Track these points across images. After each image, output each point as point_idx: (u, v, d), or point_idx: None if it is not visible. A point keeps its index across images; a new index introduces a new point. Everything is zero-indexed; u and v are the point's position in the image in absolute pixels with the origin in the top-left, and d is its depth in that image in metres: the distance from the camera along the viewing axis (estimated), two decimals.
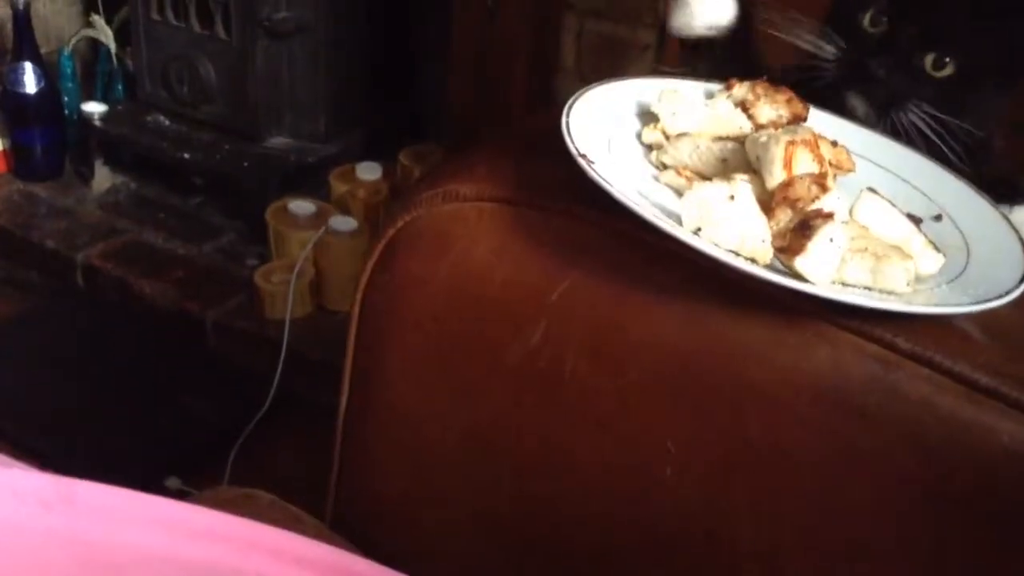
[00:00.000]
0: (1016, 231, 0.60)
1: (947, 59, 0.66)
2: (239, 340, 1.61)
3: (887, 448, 0.52)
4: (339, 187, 1.76)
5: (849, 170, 0.62)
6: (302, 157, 1.82)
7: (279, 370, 1.50)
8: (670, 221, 0.53)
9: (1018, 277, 0.55)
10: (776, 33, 0.70)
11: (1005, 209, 0.65)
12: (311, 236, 1.63)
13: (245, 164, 1.78)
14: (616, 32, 1.54)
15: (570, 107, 0.61)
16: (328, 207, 1.73)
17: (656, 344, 0.57)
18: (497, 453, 0.64)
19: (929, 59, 0.67)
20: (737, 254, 0.52)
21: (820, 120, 0.68)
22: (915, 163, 0.66)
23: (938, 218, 0.62)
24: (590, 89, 0.66)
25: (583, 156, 0.56)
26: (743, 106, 0.65)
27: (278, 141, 1.84)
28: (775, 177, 0.54)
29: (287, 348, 1.52)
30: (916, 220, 0.62)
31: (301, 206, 1.70)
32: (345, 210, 1.72)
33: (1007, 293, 0.53)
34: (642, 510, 0.59)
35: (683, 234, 0.51)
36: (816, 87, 0.69)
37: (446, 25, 1.69)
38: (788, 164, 0.54)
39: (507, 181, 0.63)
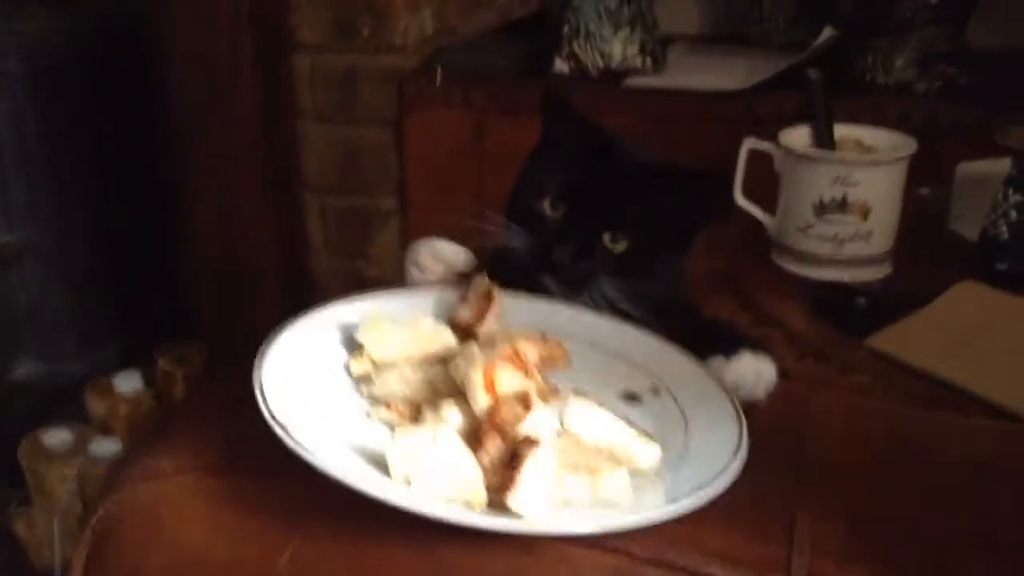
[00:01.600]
0: (725, 390, 0.61)
1: (619, 235, 0.70)
2: None
3: None
4: (97, 406, 1.63)
5: (562, 360, 0.61)
6: (53, 381, 1.69)
7: None
8: (379, 478, 0.50)
9: (734, 446, 0.55)
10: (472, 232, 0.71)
11: (720, 360, 0.66)
12: (71, 469, 1.50)
13: None
14: (357, 204, 1.54)
15: (262, 356, 0.58)
16: (89, 431, 1.60)
17: None
18: None
19: (607, 237, 0.70)
20: (453, 499, 0.50)
21: (529, 306, 0.68)
22: (628, 336, 0.67)
23: (655, 391, 0.63)
24: (289, 326, 0.63)
25: (277, 422, 0.52)
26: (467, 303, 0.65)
27: (24, 370, 1.71)
28: (479, 403, 0.52)
29: None
30: (634, 397, 0.63)
31: (56, 436, 1.56)
32: (108, 431, 1.59)
33: (722, 473, 0.53)
34: None
35: (391, 495, 0.48)
36: (513, 270, 0.70)
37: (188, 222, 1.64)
38: (490, 386, 0.52)
39: (212, 447, 0.58)
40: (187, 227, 1.61)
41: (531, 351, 0.58)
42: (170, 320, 1.82)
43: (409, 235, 1.51)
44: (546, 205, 0.71)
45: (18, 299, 1.68)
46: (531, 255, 0.70)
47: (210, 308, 1.66)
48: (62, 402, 1.69)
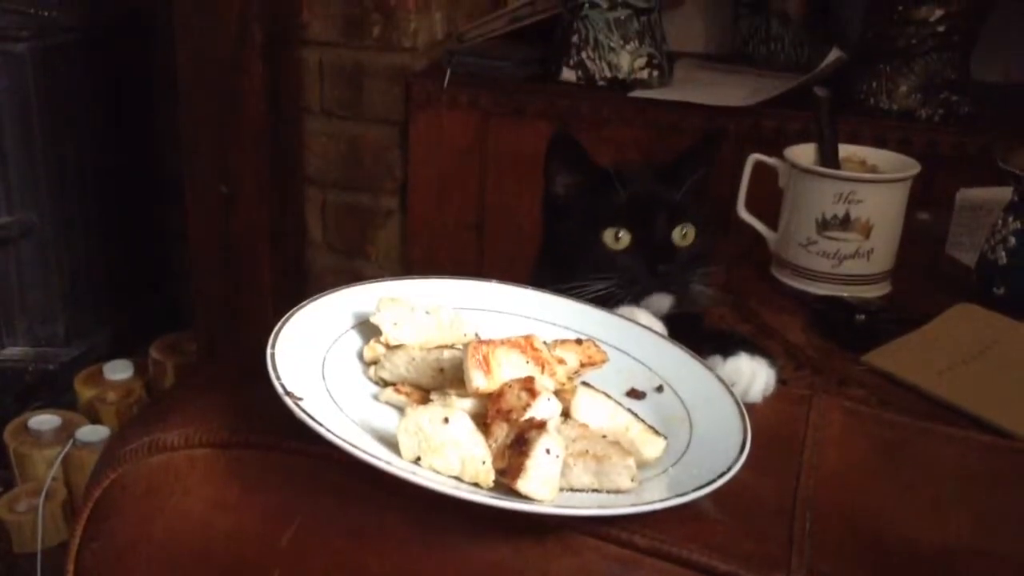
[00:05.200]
0: (730, 391, 0.62)
1: (685, 226, 0.76)
2: None
3: None
4: (86, 393, 1.63)
5: (603, 362, 0.61)
6: (41, 365, 1.68)
7: None
8: (387, 455, 0.50)
9: (738, 444, 0.56)
10: None
11: (717, 360, 0.67)
12: (57, 453, 1.49)
13: None
14: (359, 201, 1.54)
15: (277, 334, 0.58)
16: (76, 417, 1.59)
17: None
18: None
19: (676, 234, 0.76)
20: (460, 479, 0.50)
21: (532, 302, 0.69)
22: (634, 336, 0.67)
23: (660, 389, 0.63)
24: (304, 306, 0.63)
25: (289, 394, 0.52)
26: None
27: (13, 352, 1.70)
28: (472, 381, 0.52)
29: None
30: (640, 395, 0.63)
31: (43, 420, 1.55)
32: (95, 418, 1.59)
33: (729, 469, 0.53)
34: None
35: (400, 470, 0.48)
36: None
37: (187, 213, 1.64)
38: (485, 364, 0.53)
39: (219, 421, 0.58)
40: (186, 217, 1.61)
41: (571, 357, 0.58)
42: (164, 312, 1.82)
43: (409, 236, 1.51)
44: (608, 240, 0.75)
45: (11, 280, 1.68)
46: (636, 286, 0.74)
47: (205, 302, 1.65)
48: (50, 387, 1.68)
